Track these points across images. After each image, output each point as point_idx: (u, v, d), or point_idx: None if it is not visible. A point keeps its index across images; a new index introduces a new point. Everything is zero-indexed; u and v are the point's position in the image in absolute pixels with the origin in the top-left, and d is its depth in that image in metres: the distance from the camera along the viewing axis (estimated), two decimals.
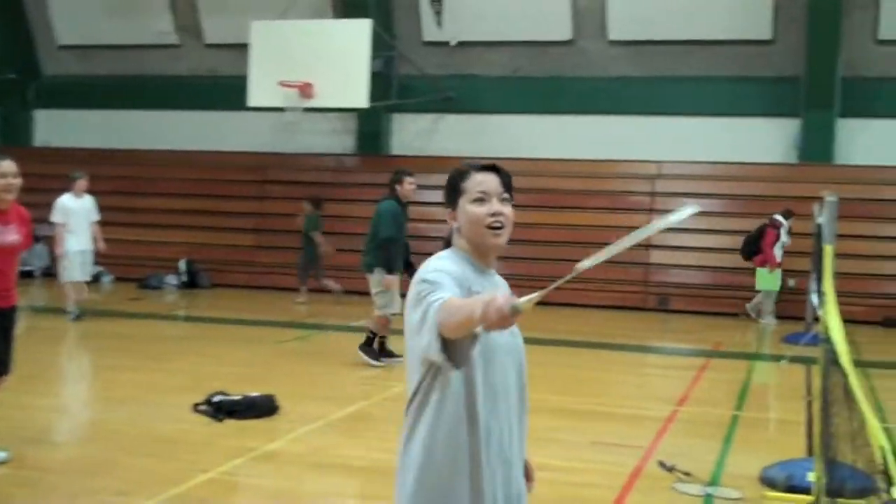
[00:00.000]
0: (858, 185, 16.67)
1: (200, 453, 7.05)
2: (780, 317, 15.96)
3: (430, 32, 19.35)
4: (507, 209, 2.92)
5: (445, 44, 19.28)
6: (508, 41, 19.06)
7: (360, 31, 16.80)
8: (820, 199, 7.78)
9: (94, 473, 6.52)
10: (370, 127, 19.78)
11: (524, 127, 18.95)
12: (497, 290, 2.79)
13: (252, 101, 17.24)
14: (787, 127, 17.85)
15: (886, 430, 8.25)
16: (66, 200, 13.62)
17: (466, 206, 2.90)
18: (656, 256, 17.70)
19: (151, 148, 20.66)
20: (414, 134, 19.88)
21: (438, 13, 19.13)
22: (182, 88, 20.73)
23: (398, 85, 19.38)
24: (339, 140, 20.21)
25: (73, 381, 10.78)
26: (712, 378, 11.20)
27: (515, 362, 2.94)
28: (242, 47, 17.63)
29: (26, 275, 17.74)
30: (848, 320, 15.04)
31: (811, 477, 5.91)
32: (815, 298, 9.52)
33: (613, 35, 18.56)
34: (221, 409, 8.10)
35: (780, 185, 17.35)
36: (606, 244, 2.77)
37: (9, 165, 6.47)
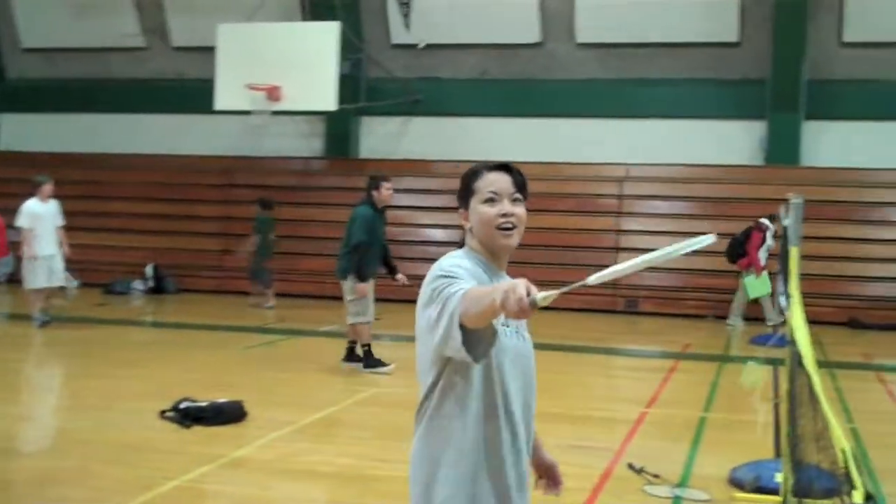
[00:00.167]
0: (824, 186, 16.79)
1: (168, 461, 6.98)
2: (748, 318, 16.03)
3: (399, 35, 19.34)
4: (519, 209, 2.89)
5: (414, 46, 19.28)
6: (477, 44, 19.08)
7: (328, 33, 16.77)
8: (786, 200, 7.82)
9: (62, 482, 6.44)
10: (338, 130, 19.74)
11: (493, 129, 18.96)
12: None
13: (219, 104, 17.17)
14: (754, 129, 17.98)
15: (853, 431, 8.33)
16: (32, 205, 13.47)
17: (477, 207, 2.88)
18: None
19: (117, 151, 20.52)
20: (382, 137, 19.86)
21: (406, 16, 19.13)
22: (148, 91, 20.61)
23: (366, 88, 19.34)
24: (307, 143, 20.16)
25: (39, 388, 10.66)
26: (681, 380, 11.24)
27: (526, 364, 2.90)
28: (209, 50, 17.55)
29: None
30: (814, 321, 15.14)
31: (779, 478, 5.94)
32: (782, 300, 9.58)
33: (581, 38, 18.62)
34: (189, 416, 8.03)
35: (747, 186, 17.47)
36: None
37: None
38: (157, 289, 18.98)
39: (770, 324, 15.88)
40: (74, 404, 9.28)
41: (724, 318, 16.34)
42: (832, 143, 17.68)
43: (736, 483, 6.49)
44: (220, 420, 8.04)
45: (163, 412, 8.17)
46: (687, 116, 18.21)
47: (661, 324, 16.50)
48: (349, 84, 18.22)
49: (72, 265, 14.36)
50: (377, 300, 10.93)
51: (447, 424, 2.77)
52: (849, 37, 17.62)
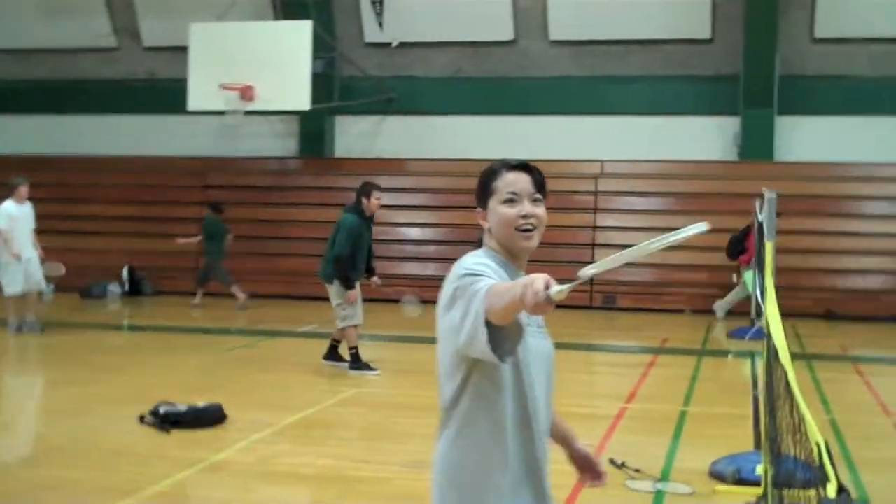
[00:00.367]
0: (798, 181, 16.88)
1: (147, 465, 6.94)
2: (727, 312, 16.12)
3: (372, 34, 19.30)
4: (540, 210, 2.84)
5: (387, 45, 19.25)
6: (450, 42, 19.08)
7: (300, 32, 16.73)
8: (760, 195, 7.85)
9: (40, 489, 6.39)
10: (312, 129, 19.68)
11: (467, 128, 18.97)
12: None
13: (192, 104, 17.10)
14: (727, 125, 18.06)
15: (831, 422, 8.39)
16: (8, 207, 13.31)
17: (497, 207, 2.82)
18: (601, 255, 17.78)
19: (90, 153, 20.37)
20: (357, 136, 19.82)
21: (379, 14, 19.10)
22: (120, 92, 20.47)
23: (340, 87, 19.30)
24: (281, 143, 20.10)
25: (16, 395, 10.55)
26: (660, 374, 11.28)
27: (549, 365, 2.87)
28: (182, 50, 17.47)
29: None
30: (791, 314, 15.22)
31: (759, 470, 5.96)
32: (758, 294, 9.62)
33: (555, 35, 18.65)
34: (168, 420, 7.97)
35: (721, 182, 17.55)
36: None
37: None
38: (134, 291, 18.87)
39: (716, 308, 16.00)
40: (52, 410, 9.21)
41: (702, 311, 16.42)
42: (805, 138, 17.79)
43: (717, 476, 6.52)
44: (199, 424, 7.99)
45: (141, 417, 8.11)
46: (661, 113, 18.27)
47: (638, 319, 16.55)
48: (323, 83, 18.17)
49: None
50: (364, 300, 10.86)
51: (481, 430, 2.71)
52: (820, 33, 17.73)
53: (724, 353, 12.41)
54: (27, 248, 13.36)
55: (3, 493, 6.42)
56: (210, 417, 8.13)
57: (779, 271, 6.07)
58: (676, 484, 6.41)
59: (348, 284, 10.35)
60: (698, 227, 2.36)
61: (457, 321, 2.56)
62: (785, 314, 5.53)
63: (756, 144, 17.80)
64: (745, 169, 17.48)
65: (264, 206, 19.29)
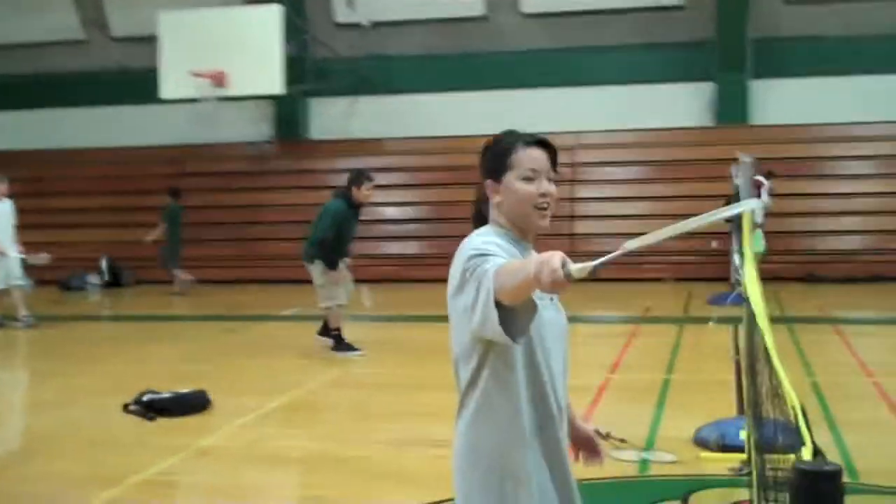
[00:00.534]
0: (774, 144, 16.94)
1: (133, 454, 6.92)
2: (705, 279, 16.16)
3: (342, 14, 19.22)
4: (554, 188, 2.81)
5: (358, 25, 19.17)
6: (421, 20, 19.01)
7: (270, 16, 16.64)
8: (736, 160, 7.87)
9: (26, 481, 6.38)
10: (287, 113, 19.62)
11: (442, 105, 18.93)
12: None
13: (164, 93, 17.00)
14: (702, 91, 18.09)
15: (813, 384, 8.44)
16: None
17: (515, 183, 2.76)
18: (580, 227, 17.83)
19: (63, 147, 20.25)
20: (332, 117, 19.76)
21: None
22: (91, 84, 20.32)
23: (313, 69, 19.22)
24: (256, 128, 20.02)
25: (0, 388, 10.55)
26: (643, 344, 11.33)
27: (564, 339, 2.84)
28: (151, 39, 17.35)
29: None
30: (772, 278, 15.32)
31: (743, 435, 6.00)
32: (736, 259, 9.66)
33: (526, 8, 18.61)
34: (152, 408, 7.96)
35: (699, 148, 17.59)
36: None
37: None
38: (114, 282, 18.81)
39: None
40: (36, 403, 9.19)
41: (683, 280, 16.47)
42: (780, 101, 17.83)
43: (701, 442, 6.55)
44: (183, 410, 7.98)
45: (126, 406, 8.10)
46: (635, 82, 18.27)
47: (620, 289, 16.58)
48: (295, 66, 18.08)
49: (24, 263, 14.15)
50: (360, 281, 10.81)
51: (499, 411, 2.69)
52: None
53: (706, 320, 12.45)
54: (8, 245, 13.28)
55: None
56: (194, 404, 8.12)
57: (719, 235, 6.08)
58: (661, 452, 6.44)
59: (331, 266, 10.32)
60: (751, 204, 2.34)
61: (469, 304, 2.51)
62: (765, 278, 5.56)
63: (731, 109, 17.85)
64: (721, 134, 17.51)
65: (241, 191, 19.24)
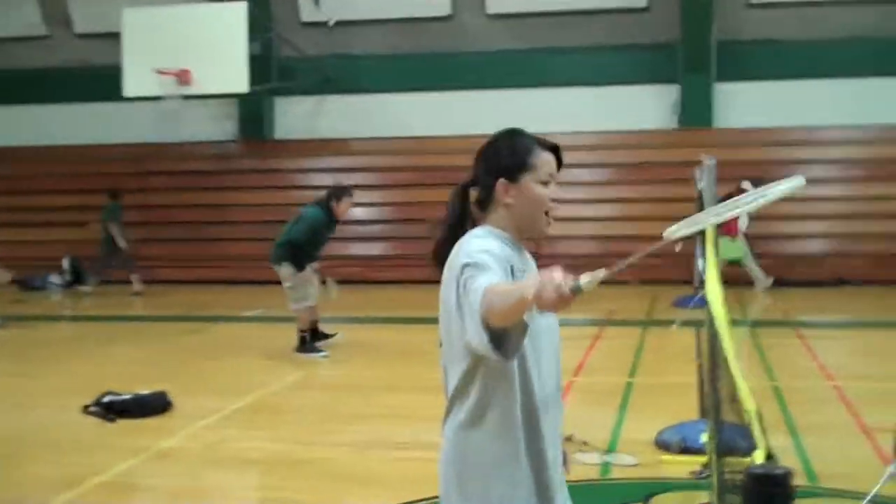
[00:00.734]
0: (737, 147, 17.04)
1: (93, 456, 6.87)
2: (670, 281, 16.17)
3: (308, 13, 19.15)
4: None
5: (324, 24, 19.10)
6: (387, 19, 18.98)
7: (235, 14, 16.53)
8: (699, 163, 7.90)
9: None
10: (252, 112, 19.52)
11: (408, 105, 18.90)
12: (533, 272, 2.71)
13: (128, 90, 16.85)
14: (667, 93, 18.17)
15: (774, 388, 8.50)
16: None
17: (533, 186, 2.72)
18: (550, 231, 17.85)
19: (25, 144, 20.04)
20: (297, 117, 19.68)
21: None
22: (54, 81, 20.11)
23: (278, 68, 19.14)
24: (220, 126, 19.90)
25: None
26: (606, 346, 11.36)
27: (554, 342, 2.78)
28: (115, 36, 17.18)
29: None
30: (736, 281, 15.35)
31: (704, 438, 6.02)
32: (700, 262, 9.70)
33: (492, 9, 18.63)
34: (112, 410, 7.91)
35: (663, 151, 17.66)
36: None
37: None
38: (76, 282, 18.62)
39: (758, 288, 16.11)
40: None
41: (648, 282, 16.51)
42: (744, 104, 17.95)
43: (662, 445, 6.58)
44: (144, 412, 7.94)
45: (86, 407, 8.04)
46: (600, 83, 18.33)
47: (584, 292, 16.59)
48: (260, 65, 18.00)
49: None
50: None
51: (490, 420, 2.62)
52: None
53: (669, 323, 12.50)
54: None
55: None
56: (155, 405, 8.07)
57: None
58: (623, 455, 6.46)
59: (299, 268, 10.32)
60: (795, 181, 2.32)
61: (461, 319, 2.46)
62: (728, 282, 5.58)
63: (695, 112, 17.94)
64: (685, 137, 17.60)
65: (205, 190, 19.12)
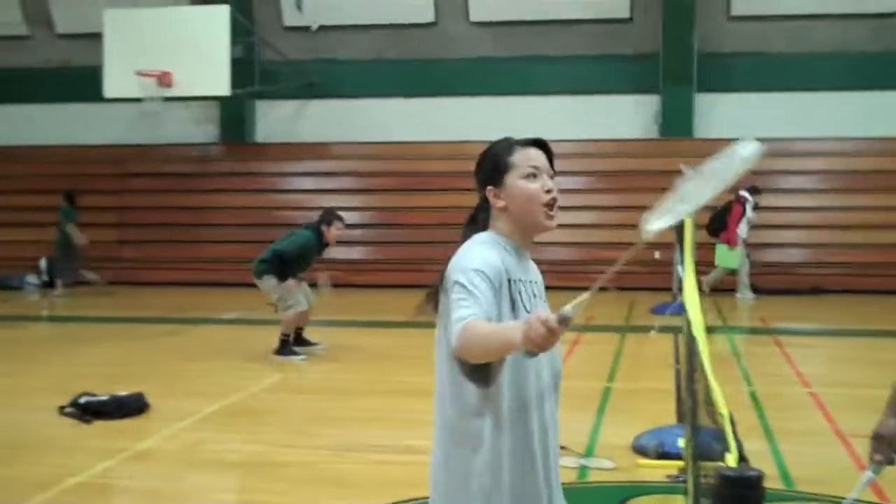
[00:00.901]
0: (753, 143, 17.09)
1: (69, 457, 6.83)
2: (649, 288, 16.23)
3: (291, 17, 19.13)
4: (555, 186, 2.75)
5: (307, 28, 19.10)
6: (370, 24, 18.99)
7: (218, 17, 16.52)
8: (679, 172, 7.95)
9: None
10: (233, 115, 19.48)
11: (390, 110, 18.91)
12: (532, 279, 2.72)
13: (108, 91, 16.79)
14: (648, 103, 18.25)
15: (752, 394, 8.55)
16: None
17: (518, 182, 2.70)
18: None
19: (5, 144, 19.92)
20: (278, 120, 19.66)
21: None
22: (35, 81, 20.02)
23: (260, 71, 19.11)
24: (201, 129, 19.85)
25: None
26: (585, 351, 11.37)
27: (554, 352, 2.70)
28: (96, 36, 17.13)
29: None
30: (714, 289, 15.38)
31: (681, 443, 6.05)
32: (679, 269, 9.75)
33: (475, 16, 18.66)
34: (89, 411, 7.86)
35: (644, 160, 17.73)
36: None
37: None
38: (53, 283, 18.51)
39: (739, 297, 16.16)
40: None
41: (626, 289, 16.55)
42: (724, 115, 18.05)
43: (640, 450, 6.60)
44: (121, 413, 7.89)
45: (62, 408, 7.99)
46: (582, 92, 18.39)
47: (562, 297, 16.52)
48: (242, 68, 17.97)
49: None
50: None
51: (478, 428, 2.60)
52: (736, 10, 18.02)
53: (648, 329, 12.54)
54: None
55: None
56: (132, 407, 8.03)
57: (699, 247, 6.15)
58: (600, 459, 6.48)
59: (281, 279, 10.32)
60: (752, 146, 2.32)
61: (447, 321, 2.47)
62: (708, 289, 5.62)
63: (676, 122, 18.03)
64: (665, 146, 17.68)
65: (186, 193, 19.06)
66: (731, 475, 2.66)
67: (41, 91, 19.90)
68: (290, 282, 10.42)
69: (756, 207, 16.18)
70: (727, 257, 16.05)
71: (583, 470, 6.30)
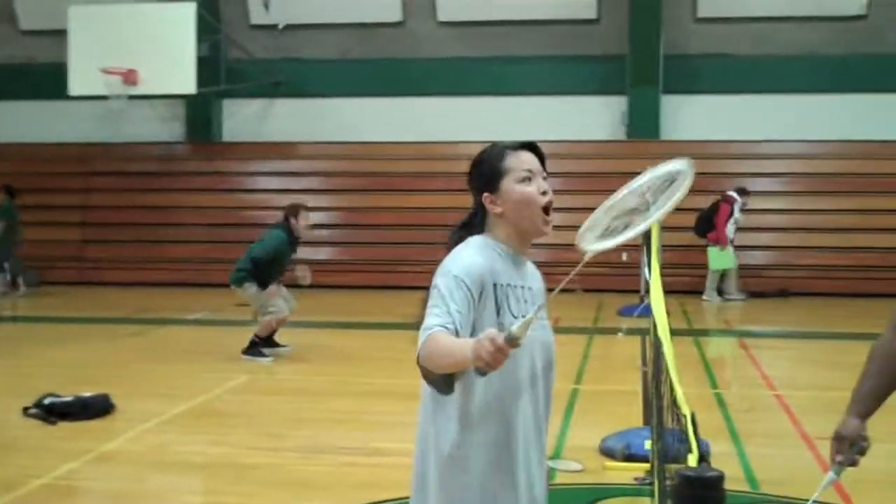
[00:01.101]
0: (684, 159, 17.17)
1: (33, 458, 6.76)
2: (616, 290, 16.26)
3: (258, 15, 19.05)
4: (550, 189, 2.75)
5: (273, 27, 19.02)
6: (337, 23, 18.94)
7: (184, 14, 16.44)
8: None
9: None
10: (199, 113, 19.36)
11: (357, 110, 18.86)
12: (528, 285, 2.74)
13: (73, 89, 16.66)
14: (615, 104, 18.32)
15: (717, 396, 8.59)
16: None
17: (514, 187, 2.70)
18: None
19: None
20: (245, 119, 19.56)
21: None
22: None
23: (227, 70, 19.01)
24: (167, 128, 19.71)
25: None
26: None
27: (543, 355, 2.75)
28: (61, 33, 16.98)
29: None
30: (681, 291, 15.47)
31: (648, 445, 6.07)
32: (646, 271, 9.79)
33: (443, 16, 18.66)
34: (53, 412, 7.78)
35: (610, 161, 17.76)
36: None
37: None
38: (16, 282, 18.31)
39: (728, 298, 16.21)
40: None
41: (593, 290, 16.61)
42: (690, 117, 18.16)
43: (607, 452, 6.62)
44: (86, 414, 7.82)
45: (26, 409, 7.90)
46: (549, 93, 18.42)
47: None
48: (208, 66, 17.89)
49: None
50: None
51: (459, 417, 2.62)
52: (703, 12, 18.14)
53: (615, 331, 12.59)
54: None
55: None
56: (97, 408, 7.96)
57: (666, 249, 6.17)
58: (567, 461, 6.49)
59: (262, 285, 10.27)
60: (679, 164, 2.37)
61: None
62: (674, 291, 5.63)
63: (643, 123, 18.10)
64: (632, 148, 17.73)
65: (151, 192, 18.92)
66: (692, 475, 2.67)
67: (5, 88, 19.68)
68: (272, 287, 10.36)
69: (744, 209, 16.27)
70: (719, 259, 16.12)
71: (551, 472, 6.30)
